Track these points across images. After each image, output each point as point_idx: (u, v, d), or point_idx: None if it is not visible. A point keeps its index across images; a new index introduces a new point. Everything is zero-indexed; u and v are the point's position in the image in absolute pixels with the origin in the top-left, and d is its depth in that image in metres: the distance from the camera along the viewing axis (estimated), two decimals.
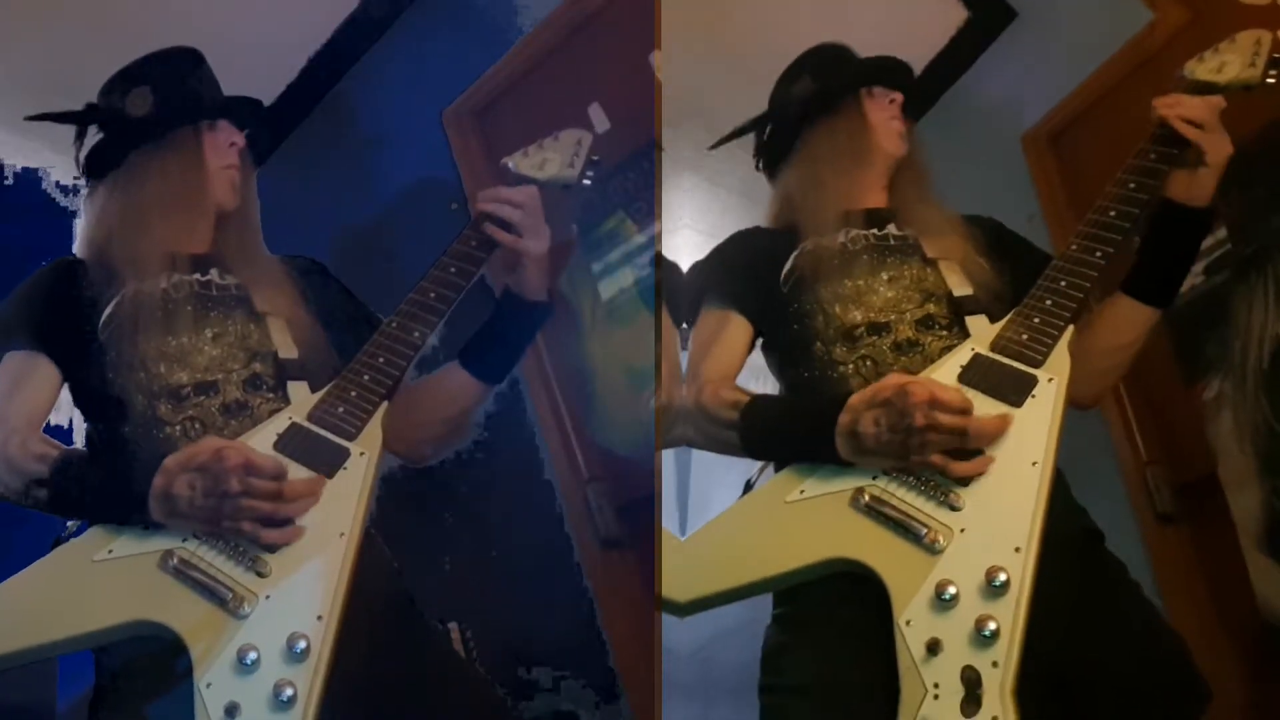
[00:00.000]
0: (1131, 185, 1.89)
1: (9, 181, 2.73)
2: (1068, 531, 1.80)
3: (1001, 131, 2.96)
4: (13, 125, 2.63)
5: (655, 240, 2.64)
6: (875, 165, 2.15)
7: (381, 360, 1.86)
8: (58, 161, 2.64)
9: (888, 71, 2.21)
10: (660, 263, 2.51)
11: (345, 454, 1.78)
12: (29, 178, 2.72)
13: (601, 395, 2.76)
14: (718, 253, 2.17)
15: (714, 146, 2.35)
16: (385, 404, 1.84)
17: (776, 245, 2.09)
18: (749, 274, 2.09)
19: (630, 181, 2.75)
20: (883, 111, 2.16)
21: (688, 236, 2.54)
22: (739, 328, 2.06)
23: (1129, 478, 2.66)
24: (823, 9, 2.78)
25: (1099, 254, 1.86)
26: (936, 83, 3.08)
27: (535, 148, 2.08)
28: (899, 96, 2.18)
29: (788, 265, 2.05)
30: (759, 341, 2.10)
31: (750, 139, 2.28)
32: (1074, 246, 1.88)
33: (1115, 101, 2.70)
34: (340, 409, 1.82)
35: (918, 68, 3.05)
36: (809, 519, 1.77)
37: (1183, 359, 2.53)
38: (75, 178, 2.10)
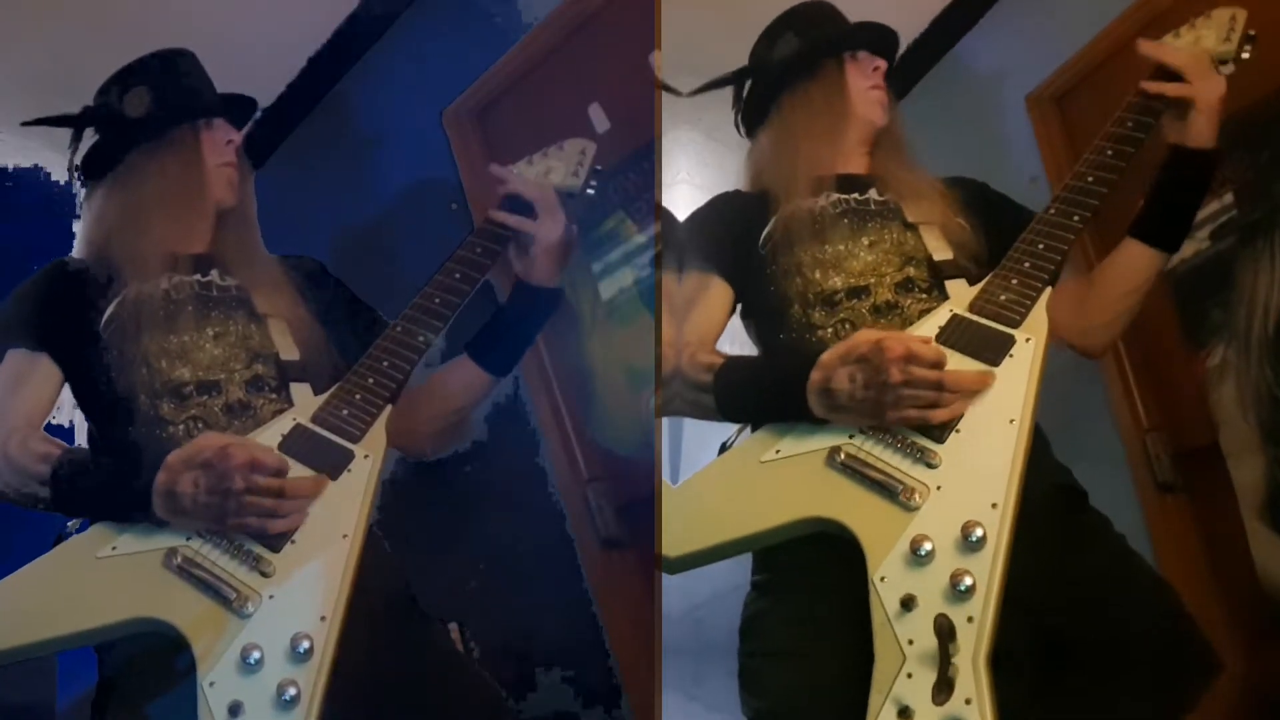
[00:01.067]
0: (1109, 152, 1.94)
1: (9, 182, 2.73)
2: (1046, 490, 1.80)
3: (1005, 92, 2.93)
4: (13, 125, 2.63)
5: (655, 240, 2.64)
6: (852, 132, 2.12)
7: (386, 364, 1.88)
8: (58, 161, 2.63)
9: (874, 37, 2.18)
10: (660, 263, 2.51)
11: (349, 456, 1.79)
12: (29, 178, 2.72)
13: (601, 395, 2.75)
14: (696, 216, 2.16)
15: (694, 92, 2.30)
16: (389, 407, 1.85)
17: (754, 208, 2.08)
18: (728, 237, 2.08)
19: (630, 181, 2.75)
20: (864, 79, 2.14)
21: (685, 191, 2.52)
22: (719, 290, 2.04)
23: (1129, 445, 2.65)
24: None
25: (1076, 218, 1.89)
26: (939, 41, 3.05)
27: (539, 156, 2.09)
28: (882, 64, 2.16)
29: (767, 228, 2.04)
30: (739, 306, 2.09)
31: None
32: (1052, 210, 1.92)
33: (1122, 62, 2.56)
34: (344, 411, 1.83)
35: (920, 25, 3.04)
36: (784, 478, 1.77)
37: (1186, 325, 2.52)
38: (79, 180, 2.10)
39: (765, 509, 1.76)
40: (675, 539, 1.79)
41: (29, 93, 2.60)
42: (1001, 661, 1.58)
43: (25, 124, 2.14)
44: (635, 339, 2.69)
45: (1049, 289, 1.84)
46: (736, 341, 2.09)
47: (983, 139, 2.92)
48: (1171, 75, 1.94)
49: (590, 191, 2.08)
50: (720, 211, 2.14)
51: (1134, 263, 1.98)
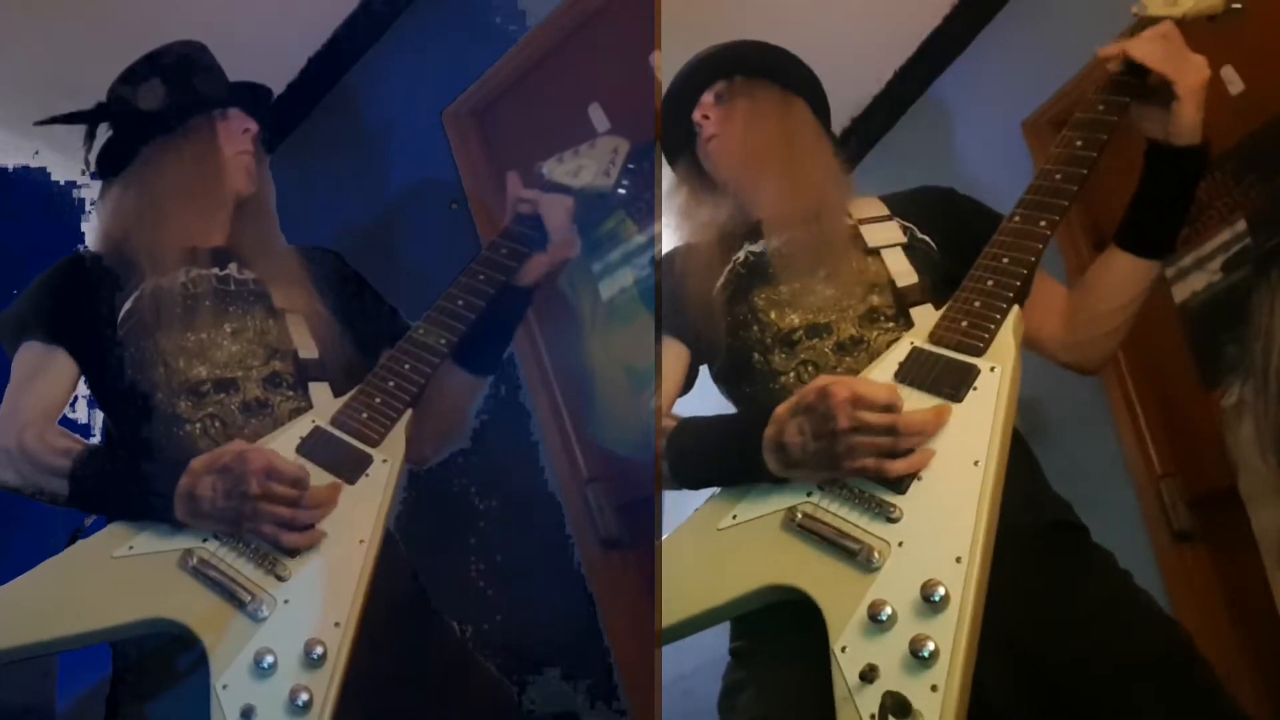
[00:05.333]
0: (1078, 143, 1.71)
1: (9, 182, 2.72)
2: (1039, 527, 1.69)
3: (1001, 118, 2.85)
4: (13, 125, 2.62)
5: (655, 240, 2.64)
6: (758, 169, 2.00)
7: (407, 367, 1.86)
8: (58, 161, 2.63)
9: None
10: (660, 263, 2.51)
11: (368, 460, 1.78)
12: (29, 177, 2.71)
13: (601, 395, 2.76)
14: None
15: None
16: (409, 411, 1.84)
17: (705, 260, 1.97)
18: (679, 294, 1.95)
19: (630, 181, 2.75)
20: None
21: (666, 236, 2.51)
22: (673, 352, 1.93)
23: (1142, 493, 2.53)
24: None
25: (1043, 223, 1.67)
26: (930, 66, 3.04)
27: (570, 154, 2.07)
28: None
29: (721, 278, 1.93)
30: (706, 368, 1.98)
31: None
32: (1015, 218, 1.70)
33: None
34: (364, 415, 1.82)
35: (911, 48, 3.02)
36: (741, 546, 1.63)
37: (1200, 362, 2.38)
38: (94, 176, 2.09)
39: (724, 580, 1.62)
40: None
41: (29, 93, 2.60)
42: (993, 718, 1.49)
43: (39, 123, 2.12)
44: (635, 339, 2.69)
45: (1017, 307, 1.66)
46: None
47: (978, 171, 2.81)
48: (1144, 72, 1.72)
49: (622, 191, 2.06)
50: (670, 267, 2.02)
51: (1124, 275, 1.80)
